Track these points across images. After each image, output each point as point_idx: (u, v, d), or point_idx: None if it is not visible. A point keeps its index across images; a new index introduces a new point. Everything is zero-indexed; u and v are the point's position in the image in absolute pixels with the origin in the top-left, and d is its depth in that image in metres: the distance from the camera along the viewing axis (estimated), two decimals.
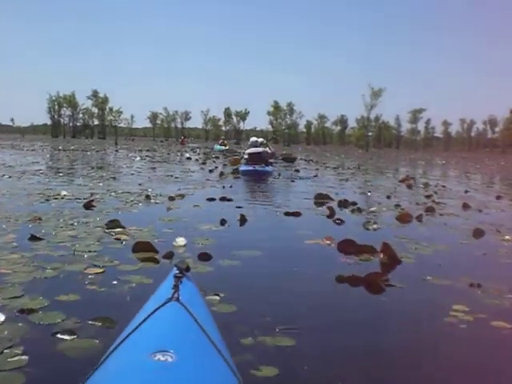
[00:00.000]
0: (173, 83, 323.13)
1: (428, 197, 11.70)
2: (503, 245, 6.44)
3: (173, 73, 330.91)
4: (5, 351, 2.80)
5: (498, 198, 12.60)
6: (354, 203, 9.60)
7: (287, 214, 8.01)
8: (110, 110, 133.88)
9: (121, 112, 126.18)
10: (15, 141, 64.61)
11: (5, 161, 19.96)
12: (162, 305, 1.98)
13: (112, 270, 4.48)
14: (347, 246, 5.68)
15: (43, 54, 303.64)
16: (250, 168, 16.11)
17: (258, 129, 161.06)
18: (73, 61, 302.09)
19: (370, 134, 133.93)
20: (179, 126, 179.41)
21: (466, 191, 13.84)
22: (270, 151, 17.72)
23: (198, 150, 46.65)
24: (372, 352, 3.12)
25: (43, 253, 4.95)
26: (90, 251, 5.08)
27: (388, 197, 11.33)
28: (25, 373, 2.58)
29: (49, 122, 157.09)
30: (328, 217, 8.08)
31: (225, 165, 22.56)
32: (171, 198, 9.39)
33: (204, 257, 4.96)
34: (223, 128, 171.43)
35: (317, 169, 22.54)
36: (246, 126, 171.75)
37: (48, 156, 26.26)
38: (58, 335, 3.05)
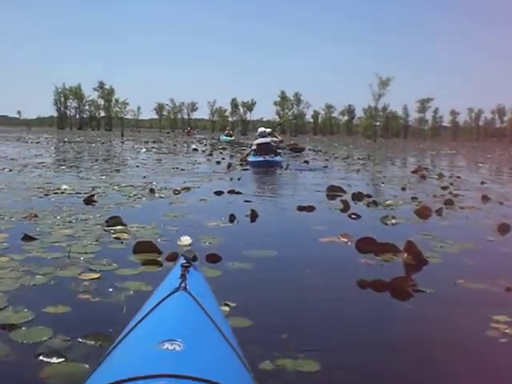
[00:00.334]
0: (179, 74, 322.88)
1: (444, 188, 11.20)
2: None
3: (179, 63, 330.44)
4: None
5: None
6: (369, 196, 9.14)
7: (300, 208, 7.54)
8: (116, 101, 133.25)
9: (127, 103, 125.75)
10: (21, 133, 64.32)
11: (7, 154, 19.54)
12: (170, 294, 1.96)
13: (109, 275, 4.04)
14: (366, 245, 5.22)
15: (50, 45, 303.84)
16: (260, 159, 15.98)
17: (264, 119, 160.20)
18: (79, 52, 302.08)
19: (377, 123, 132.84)
20: (185, 117, 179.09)
21: (483, 182, 13.32)
22: (277, 139, 17.61)
23: (204, 141, 46.30)
24: (409, 379, 2.67)
25: (35, 255, 4.51)
26: (86, 253, 4.63)
27: (403, 189, 10.85)
28: None
29: (55, 115, 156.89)
30: (342, 211, 7.63)
31: (232, 156, 22.11)
32: (176, 192, 8.96)
33: (212, 258, 4.50)
34: (230, 119, 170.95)
35: (326, 159, 22.05)
36: (252, 116, 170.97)
37: (52, 148, 25.85)
38: (43, 357, 2.62)
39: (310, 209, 7.52)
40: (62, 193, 8.56)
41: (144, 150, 26.66)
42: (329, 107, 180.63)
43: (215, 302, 2.37)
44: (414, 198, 9.24)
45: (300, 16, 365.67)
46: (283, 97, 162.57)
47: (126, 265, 4.31)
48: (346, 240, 5.52)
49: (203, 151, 26.47)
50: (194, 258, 2.47)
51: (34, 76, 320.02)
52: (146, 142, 40.19)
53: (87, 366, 2.52)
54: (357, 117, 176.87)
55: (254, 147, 16.97)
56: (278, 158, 16.59)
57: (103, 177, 11.37)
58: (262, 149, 16.47)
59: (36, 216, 6.29)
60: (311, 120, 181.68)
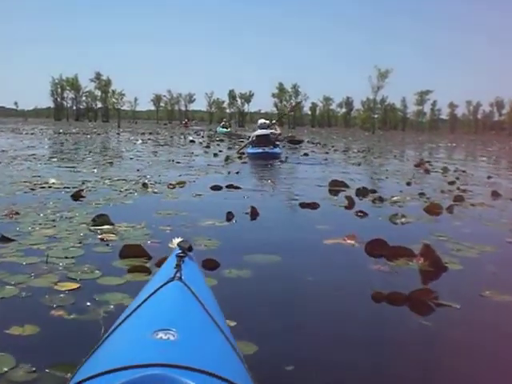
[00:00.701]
0: (177, 65, 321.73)
1: (451, 183, 10.73)
2: None
3: (177, 54, 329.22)
4: None
5: None
6: (374, 191, 8.66)
7: (302, 205, 7.05)
8: (113, 92, 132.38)
9: (123, 94, 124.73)
10: (17, 124, 63.79)
11: None
12: (165, 284, 1.94)
13: (90, 284, 3.55)
14: (377, 248, 4.74)
15: (47, 36, 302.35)
16: (259, 150, 15.84)
17: (262, 111, 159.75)
18: (76, 43, 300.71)
19: (375, 116, 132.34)
20: (183, 108, 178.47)
21: (489, 177, 12.85)
22: (276, 132, 17.37)
23: (201, 133, 45.87)
24: None
25: (9, 260, 4.02)
26: (67, 257, 4.15)
27: (408, 183, 10.37)
28: None
29: (52, 106, 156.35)
30: (347, 208, 7.15)
31: (229, 148, 21.62)
32: (171, 187, 8.47)
33: (209, 264, 3.99)
34: (227, 110, 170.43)
35: (326, 152, 21.56)
36: (250, 108, 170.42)
37: (46, 140, 25.26)
38: None
39: (313, 206, 7.03)
40: (50, 187, 8.07)
41: (140, 141, 26.13)
42: (327, 99, 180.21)
43: (210, 293, 2.32)
44: (422, 193, 8.76)
45: (299, 4, 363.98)
46: (281, 89, 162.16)
47: (111, 272, 3.83)
48: (353, 242, 5.04)
49: (200, 143, 25.94)
50: (190, 248, 2.42)
51: (31, 66, 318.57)
52: (143, 134, 39.68)
53: None
54: (355, 109, 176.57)
55: (253, 138, 16.80)
56: (276, 150, 16.42)
57: (95, 170, 10.87)
58: (262, 140, 16.33)
59: (17, 213, 5.80)
60: (309, 112, 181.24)
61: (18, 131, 37.86)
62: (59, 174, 9.71)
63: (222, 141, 29.65)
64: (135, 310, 1.87)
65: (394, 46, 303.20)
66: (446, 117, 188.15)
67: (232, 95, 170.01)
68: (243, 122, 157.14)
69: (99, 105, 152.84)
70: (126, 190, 7.98)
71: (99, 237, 4.89)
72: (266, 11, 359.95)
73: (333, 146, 27.99)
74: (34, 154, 14.63)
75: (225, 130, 46.00)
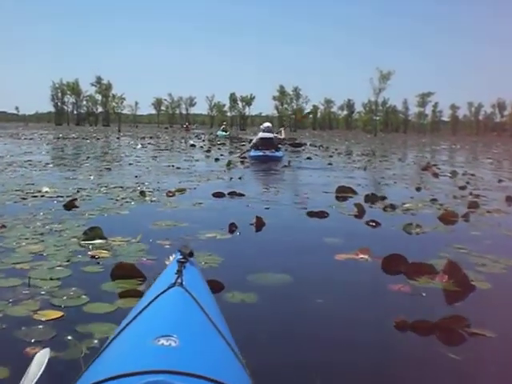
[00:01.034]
0: (178, 68, 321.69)
1: (462, 188, 10.29)
2: None
3: (178, 58, 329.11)
4: None
5: None
6: (384, 197, 8.22)
7: (310, 214, 6.62)
8: (113, 96, 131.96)
9: (123, 98, 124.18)
10: (17, 129, 63.35)
11: None
12: (166, 290, 1.92)
13: (75, 313, 3.13)
14: (395, 264, 4.32)
15: (48, 40, 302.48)
16: (260, 153, 15.94)
17: (263, 114, 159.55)
18: (78, 48, 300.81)
19: (376, 118, 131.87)
20: (184, 112, 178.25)
21: (500, 180, 12.42)
22: (281, 136, 17.48)
23: (202, 137, 45.57)
24: None
25: None
26: (52, 279, 3.72)
27: (418, 188, 9.94)
28: None
29: (53, 110, 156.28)
30: (357, 216, 6.73)
31: (231, 152, 21.19)
32: (170, 194, 8.04)
33: (211, 287, 3.56)
34: (228, 114, 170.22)
35: (330, 156, 21.12)
36: (251, 111, 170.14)
37: (44, 145, 24.78)
38: None
39: (322, 215, 6.60)
40: (42, 196, 7.65)
41: (139, 146, 25.67)
42: (328, 102, 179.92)
43: (212, 298, 2.32)
44: (434, 199, 8.32)
45: (300, 6, 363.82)
46: (282, 91, 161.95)
47: (99, 297, 3.40)
48: (367, 257, 4.60)
49: (201, 147, 25.50)
50: (191, 254, 2.42)
51: (32, 71, 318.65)
52: (143, 138, 39.26)
53: None
54: (356, 111, 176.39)
55: (255, 141, 16.74)
56: (278, 154, 16.46)
57: (91, 177, 10.42)
58: (264, 143, 16.33)
59: (4, 226, 5.37)
60: (310, 115, 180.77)
61: (17, 136, 37.42)
62: (54, 182, 9.29)
63: (223, 145, 29.24)
64: (136, 316, 1.85)
65: (394, 48, 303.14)
66: (448, 118, 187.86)
67: (233, 98, 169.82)
68: (244, 125, 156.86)
69: (100, 109, 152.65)
70: (123, 198, 7.55)
71: (90, 253, 4.46)
72: (267, 14, 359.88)
73: (336, 149, 27.56)
74: (30, 160, 14.19)
75: (224, 133, 46.47)
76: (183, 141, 35.28)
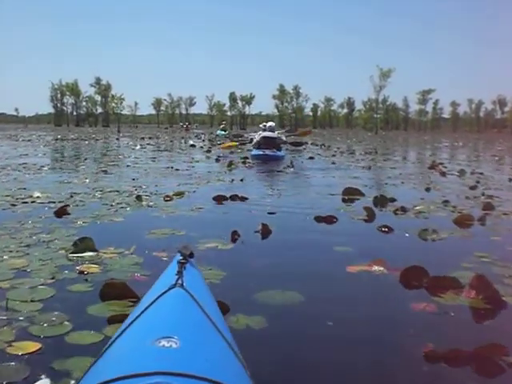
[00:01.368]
0: (178, 68, 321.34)
1: (473, 188, 9.88)
2: None
3: (178, 57, 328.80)
4: None
5: None
6: (393, 199, 7.80)
7: (318, 219, 6.18)
8: (112, 97, 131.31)
9: (122, 99, 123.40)
10: (16, 131, 62.99)
11: None
12: (166, 291, 1.92)
13: (55, 344, 2.72)
14: (415, 278, 3.90)
15: (47, 42, 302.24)
16: (260, 152, 16.11)
17: (263, 113, 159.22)
18: (77, 49, 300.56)
19: (377, 115, 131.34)
20: (184, 112, 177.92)
21: (511, 179, 11.98)
22: (284, 138, 17.63)
23: (202, 136, 45.25)
24: None
25: None
26: (33, 301, 3.30)
27: (427, 189, 9.52)
28: None
29: (52, 111, 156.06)
30: (367, 221, 6.33)
31: (232, 152, 20.77)
32: (167, 199, 7.61)
33: None
34: (228, 113, 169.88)
35: (333, 155, 20.67)
36: (251, 110, 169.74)
37: (41, 147, 24.32)
38: None
39: (330, 220, 6.17)
40: (33, 202, 7.22)
41: (138, 146, 25.26)
42: (328, 100, 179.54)
43: (212, 299, 2.32)
44: (446, 201, 7.89)
45: (299, 5, 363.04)
46: (282, 90, 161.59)
47: (85, 323, 2.98)
48: (382, 269, 4.18)
49: (201, 147, 25.07)
50: (191, 255, 2.41)
51: (32, 72, 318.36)
52: (142, 138, 38.87)
53: None
54: (356, 109, 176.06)
55: (258, 139, 16.88)
56: (279, 153, 16.54)
57: (87, 180, 10.00)
58: (267, 142, 16.47)
59: None
60: (310, 113, 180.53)
61: (15, 138, 36.99)
62: (47, 186, 8.86)
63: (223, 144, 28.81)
64: (137, 317, 1.84)
65: (394, 46, 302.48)
66: (448, 115, 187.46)
67: (233, 98, 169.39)
68: (245, 124, 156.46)
69: (100, 110, 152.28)
70: (118, 203, 7.13)
71: (78, 268, 4.05)
72: (266, 13, 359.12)
73: (338, 148, 27.15)
74: (25, 163, 13.77)
75: (224, 132, 46.90)
76: (183, 141, 34.88)
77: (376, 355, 2.77)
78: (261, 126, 19.92)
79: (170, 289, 1.94)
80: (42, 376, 2.30)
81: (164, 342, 1.54)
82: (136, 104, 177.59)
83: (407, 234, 5.59)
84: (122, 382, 1.39)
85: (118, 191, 8.34)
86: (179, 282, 1.98)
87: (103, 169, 12.41)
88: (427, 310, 3.35)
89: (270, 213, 6.60)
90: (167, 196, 7.74)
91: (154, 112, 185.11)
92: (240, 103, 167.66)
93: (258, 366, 2.43)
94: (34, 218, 6.02)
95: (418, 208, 7.26)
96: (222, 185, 9.65)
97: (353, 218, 6.43)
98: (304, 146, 24.30)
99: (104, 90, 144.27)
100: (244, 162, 14.68)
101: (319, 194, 8.58)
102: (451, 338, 2.91)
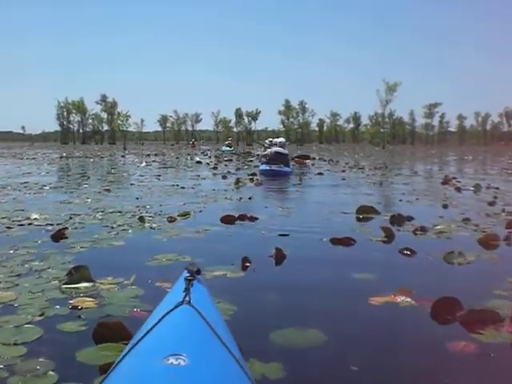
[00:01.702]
0: (183, 85, 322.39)
1: (491, 204, 9.42)
2: None
3: (182, 74, 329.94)
4: None
5: None
6: (410, 218, 7.36)
7: (334, 241, 5.74)
8: (118, 114, 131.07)
9: (128, 116, 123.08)
10: (22, 149, 62.88)
11: None
12: (174, 308, 1.91)
13: None
14: (447, 311, 3.47)
15: (54, 60, 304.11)
16: (267, 167, 16.33)
17: (269, 129, 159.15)
18: (83, 67, 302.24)
19: (383, 130, 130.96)
20: (190, 128, 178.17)
21: None
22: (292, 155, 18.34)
23: (208, 153, 44.94)
24: None
25: None
26: (16, 344, 2.89)
27: (444, 206, 9.08)
28: None
29: (59, 129, 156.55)
30: (386, 242, 5.91)
31: (238, 169, 20.40)
32: (171, 220, 7.19)
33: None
34: (234, 129, 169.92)
35: (342, 170, 20.25)
36: (257, 126, 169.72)
37: (45, 165, 23.96)
38: None
39: (347, 242, 5.73)
40: (30, 224, 6.84)
41: (143, 164, 24.87)
42: (334, 115, 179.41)
43: (219, 316, 2.32)
44: (466, 219, 7.44)
45: (304, 20, 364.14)
46: (287, 106, 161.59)
47: (73, 373, 2.58)
48: (409, 300, 3.74)
49: (207, 164, 24.69)
50: (198, 272, 2.40)
51: (39, 91, 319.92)
52: (148, 155, 38.55)
53: None
54: (362, 124, 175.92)
55: (269, 154, 17.07)
56: (286, 169, 16.68)
57: (88, 200, 9.59)
58: (277, 158, 16.62)
59: None
60: (316, 128, 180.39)
61: (20, 156, 36.75)
62: (46, 207, 8.45)
63: (230, 161, 28.45)
64: (145, 335, 1.83)
65: (399, 60, 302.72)
66: (454, 129, 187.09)
67: (239, 113, 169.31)
68: (251, 140, 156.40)
69: (106, 127, 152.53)
70: (119, 225, 6.72)
71: (71, 302, 3.63)
72: (271, 29, 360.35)
73: (347, 163, 26.74)
74: (26, 182, 13.39)
75: (229, 148, 47.01)
76: (189, 157, 34.51)
77: None
78: (267, 141, 19.68)
79: (177, 306, 1.92)
80: None
81: (172, 360, 1.53)
82: (142, 121, 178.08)
83: (431, 258, 5.15)
84: None
85: (120, 212, 7.93)
86: (186, 299, 1.96)
87: (106, 187, 12.01)
88: (466, 350, 2.92)
89: (281, 234, 6.13)
90: (170, 218, 7.30)
91: (160, 129, 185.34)
92: (246, 119, 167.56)
93: None
94: (28, 242, 5.62)
95: (438, 227, 6.82)
96: (229, 204, 9.23)
97: (371, 240, 5.99)
98: (312, 162, 23.94)
99: (110, 107, 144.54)
100: (252, 180, 14.26)
101: (332, 213, 8.14)
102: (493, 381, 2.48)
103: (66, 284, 4.03)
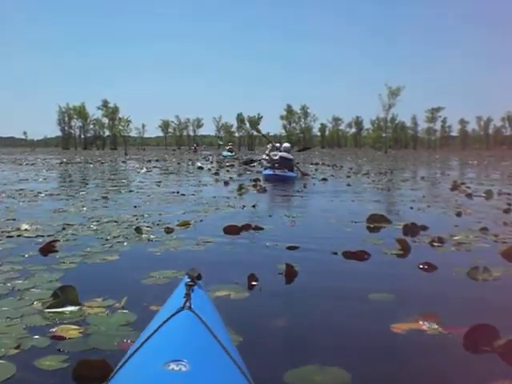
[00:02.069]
0: (185, 90, 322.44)
1: (506, 211, 8.97)
2: None
3: (184, 79, 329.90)
4: None
5: None
6: (425, 227, 6.93)
7: (347, 255, 5.27)
8: (120, 119, 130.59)
9: (129, 121, 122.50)
10: (22, 155, 62.50)
11: None
12: (174, 314, 1.90)
13: None
14: (483, 340, 3.01)
15: (56, 66, 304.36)
16: (271, 172, 16.39)
17: (271, 134, 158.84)
18: (85, 73, 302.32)
19: (385, 135, 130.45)
20: (191, 133, 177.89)
21: None
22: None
23: (210, 158, 44.55)
24: None
25: None
26: None
27: (458, 214, 8.61)
28: None
29: (60, 135, 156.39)
30: (402, 256, 5.44)
31: (240, 174, 19.96)
32: (168, 230, 6.72)
33: None
34: (236, 134, 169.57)
35: (347, 176, 19.77)
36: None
37: (44, 171, 23.48)
38: None
39: (361, 256, 5.24)
40: (19, 236, 6.39)
41: (144, 170, 24.40)
42: (336, 120, 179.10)
43: (220, 321, 2.25)
44: (484, 228, 6.99)
45: (305, 26, 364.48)
46: (289, 110, 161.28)
47: None
48: (435, 327, 3.28)
49: (209, 170, 24.23)
50: (199, 277, 2.39)
51: (41, 96, 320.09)
52: (149, 161, 38.09)
53: None
54: (364, 128, 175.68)
55: (275, 158, 17.08)
56: (291, 174, 16.70)
57: (84, 208, 9.13)
58: (283, 162, 16.65)
59: None
60: (318, 133, 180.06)
61: (19, 162, 36.32)
62: (39, 216, 7.99)
63: (232, 166, 28.01)
64: (146, 341, 1.81)
65: (400, 65, 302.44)
66: (456, 133, 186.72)
67: (240, 118, 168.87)
68: (253, 145, 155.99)
69: (107, 132, 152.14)
70: (115, 237, 6.27)
71: (53, 331, 3.18)
72: (272, 35, 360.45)
73: (351, 169, 26.29)
74: (22, 189, 12.93)
75: (230, 153, 46.59)
76: (190, 163, 34.06)
77: None
78: (268, 146, 19.34)
79: (178, 311, 1.91)
80: None
81: (173, 366, 1.51)
82: (144, 126, 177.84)
83: (454, 274, 4.69)
84: None
85: (116, 221, 7.47)
86: (187, 304, 1.94)
87: (104, 195, 11.55)
88: None
89: (290, 247, 5.62)
90: (167, 228, 6.82)
91: (161, 134, 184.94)
92: (248, 124, 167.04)
93: None
94: (15, 256, 5.18)
95: (455, 238, 6.36)
96: (232, 212, 8.76)
97: (385, 253, 5.52)
98: (315, 167, 23.47)
99: (111, 112, 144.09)
100: (255, 186, 13.79)
101: (340, 222, 7.67)
102: None
103: (49, 308, 3.58)
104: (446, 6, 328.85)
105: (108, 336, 3.09)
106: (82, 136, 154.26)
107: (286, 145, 18.04)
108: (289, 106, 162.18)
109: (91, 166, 30.87)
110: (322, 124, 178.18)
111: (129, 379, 1.63)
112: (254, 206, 9.33)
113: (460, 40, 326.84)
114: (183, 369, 1.51)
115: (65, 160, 40.69)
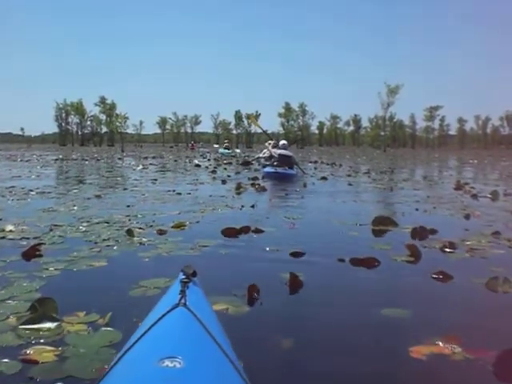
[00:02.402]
0: (182, 87, 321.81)
1: None
2: None
3: (182, 76, 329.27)
4: None
5: None
6: (434, 231, 6.54)
7: (354, 262, 4.86)
8: (117, 115, 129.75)
9: (126, 118, 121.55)
10: (18, 151, 61.98)
11: None
12: (169, 310, 1.89)
13: None
14: None
15: (55, 62, 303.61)
16: (272, 170, 16.30)
17: (269, 131, 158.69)
18: (82, 70, 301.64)
19: (383, 133, 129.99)
20: (189, 130, 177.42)
21: None
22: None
23: (207, 155, 44.23)
24: None
25: None
26: None
27: (466, 216, 8.22)
28: None
29: (57, 131, 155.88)
30: (413, 262, 5.06)
31: (238, 172, 19.58)
32: (161, 232, 6.33)
33: None
34: (234, 131, 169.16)
35: (348, 175, 19.36)
36: (257, 128, 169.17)
37: (38, 168, 23.05)
38: None
39: (370, 263, 4.82)
40: (3, 238, 5.99)
41: (140, 167, 23.94)
42: (334, 118, 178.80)
43: (215, 318, 2.25)
44: (496, 232, 6.61)
45: (303, 24, 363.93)
46: (287, 108, 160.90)
47: None
48: (459, 350, 2.89)
49: (206, 167, 23.79)
50: (194, 274, 2.36)
51: (38, 92, 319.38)
52: (145, 158, 37.67)
53: None
54: (362, 127, 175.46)
55: (275, 156, 17.14)
56: (291, 171, 16.62)
57: (75, 207, 8.72)
58: (282, 160, 16.64)
59: None
60: (316, 131, 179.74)
61: (14, 158, 35.84)
62: (26, 216, 7.58)
63: (230, 164, 27.59)
64: (140, 337, 1.81)
65: (399, 63, 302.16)
66: (454, 132, 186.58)
67: (238, 116, 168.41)
68: (251, 142, 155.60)
69: (104, 129, 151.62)
70: (104, 240, 5.86)
71: (25, 353, 2.78)
72: (272, 34, 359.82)
73: (350, 167, 25.92)
74: (12, 187, 12.50)
75: (227, 151, 46.45)
76: (187, 160, 33.63)
77: None
78: (266, 144, 19.21)
79: (173, 308, 1.89)
80: None
81: (168, 362, 1.50)
82: (141, 123, 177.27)
83: (471, 285, 4.29)
84: None
85: (107, 222, 7.07)
86: (182, 301, 1.93)
87: (97, 193, 11.13)
88: None
89: (293, 253, 5.20)
90: (160, 230, 6.43)
91: (159, 131, 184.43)
92: (246, 121, 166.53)
93: None
94: None
95: (468, 243, 5.98)
96: (230, 212, 8.35)
97: (395, 260, 5.12)
98: (314, 165, 23.08)
99: (109, 109, 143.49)
100: (253, 185, 13.36)
101: (344, 224, 7.27)
102: None
103: (24, 324, 3.19)
104: (445, 5, 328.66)
105: (87, 360, 2.70)
106: (80, 132, 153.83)
107: (283, 142, 18.07)
108: (287, 104, 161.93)
109: (87, 162, 30.41)
110: (320, 122, 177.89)
111: (123, 376, 1.60)
112: (252, 206, 8.92)
113: (458, 39, 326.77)
114: (178, 365, 1.50)
115: (61, 156, 40.20)
